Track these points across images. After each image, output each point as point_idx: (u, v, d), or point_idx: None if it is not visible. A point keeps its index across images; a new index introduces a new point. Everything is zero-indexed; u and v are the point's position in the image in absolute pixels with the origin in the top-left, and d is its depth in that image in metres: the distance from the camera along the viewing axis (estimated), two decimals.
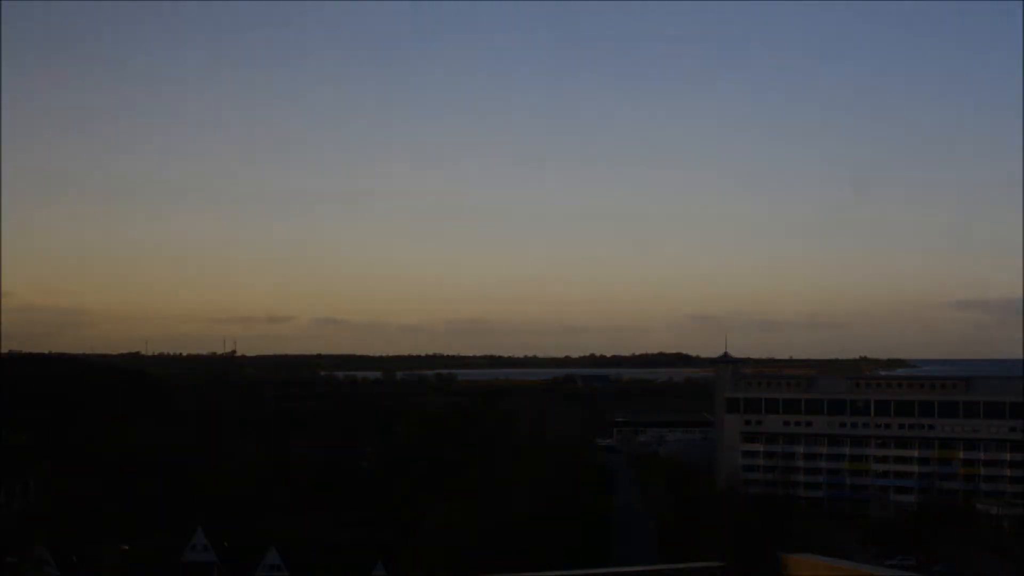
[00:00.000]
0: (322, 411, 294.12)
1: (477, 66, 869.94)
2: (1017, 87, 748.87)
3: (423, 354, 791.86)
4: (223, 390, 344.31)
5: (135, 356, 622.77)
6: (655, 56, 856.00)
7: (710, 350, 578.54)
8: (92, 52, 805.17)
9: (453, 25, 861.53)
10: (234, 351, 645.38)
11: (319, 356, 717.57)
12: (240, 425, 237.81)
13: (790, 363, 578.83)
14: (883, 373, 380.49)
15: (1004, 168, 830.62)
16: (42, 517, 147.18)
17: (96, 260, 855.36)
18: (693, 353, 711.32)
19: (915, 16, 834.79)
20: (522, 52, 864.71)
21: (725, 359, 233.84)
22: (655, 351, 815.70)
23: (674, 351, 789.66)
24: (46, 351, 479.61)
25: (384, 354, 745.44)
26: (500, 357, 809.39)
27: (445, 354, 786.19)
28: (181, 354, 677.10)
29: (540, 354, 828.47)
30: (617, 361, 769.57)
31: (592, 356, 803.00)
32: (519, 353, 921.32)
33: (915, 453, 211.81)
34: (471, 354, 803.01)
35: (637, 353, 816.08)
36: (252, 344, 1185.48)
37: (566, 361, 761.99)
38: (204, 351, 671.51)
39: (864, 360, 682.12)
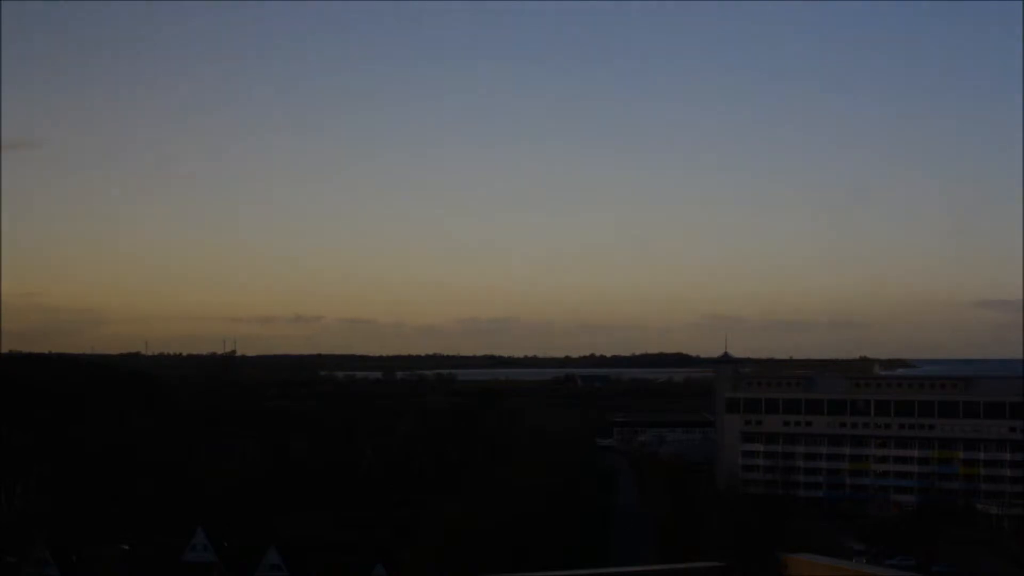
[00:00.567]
0: (322, 411, 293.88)
1: (489, 69, 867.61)
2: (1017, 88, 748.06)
3: (423, 354, 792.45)
4: (223, 390, 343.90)
5: (135, 356, 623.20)
6: (656, 56, 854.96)
7: (710, 350, 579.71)
8: (97, 50, 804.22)
9: (460, 21, 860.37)
10: (234, 351, 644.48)
11: (319, 356, 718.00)
12: (240, 425, 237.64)
13: (790, 363, 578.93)
14: (883, 373, 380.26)
15: (1005, 168, 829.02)
16: (42, 517, 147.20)
17: (96, 260, 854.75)
18: (693, 353, 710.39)
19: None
20: (530, 59, 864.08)
21: (725, 359, 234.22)
22: (655, 351, 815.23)
23: (674, 351, 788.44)
24: (46, 351, 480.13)
25: (384, 354, 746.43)
26: (500, 357, 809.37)
27: (445, 354, 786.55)
28: (181, 354, 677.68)
29: (540, 354, 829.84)
30: (617, 361, 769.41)
31: (592, 356, 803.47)
32: (519, 353, 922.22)
33: (915, 453, 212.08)
34: (471, 354, 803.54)
35: (637, 353, 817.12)
36: (252, 344, 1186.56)
37: (566, 361, 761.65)
38: (204, 351, 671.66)
39: (864, 360, 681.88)
